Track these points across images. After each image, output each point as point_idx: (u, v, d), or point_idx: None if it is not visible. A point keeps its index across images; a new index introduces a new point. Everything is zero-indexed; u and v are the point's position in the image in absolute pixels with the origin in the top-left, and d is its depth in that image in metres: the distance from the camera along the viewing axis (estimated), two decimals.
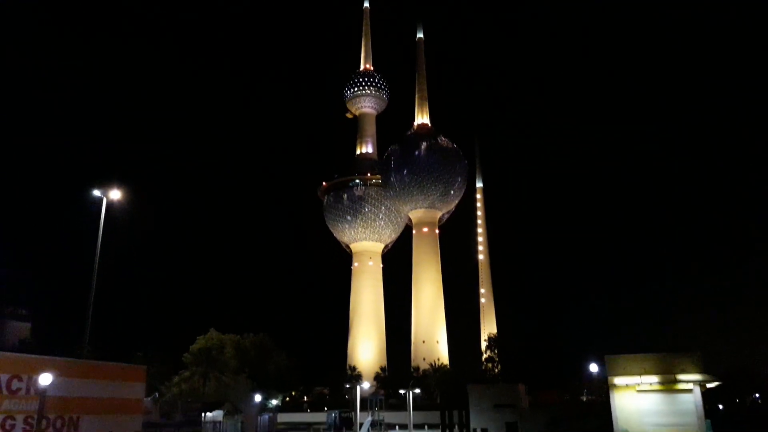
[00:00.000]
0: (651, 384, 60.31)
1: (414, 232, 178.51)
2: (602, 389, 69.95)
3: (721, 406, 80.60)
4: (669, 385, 59.65)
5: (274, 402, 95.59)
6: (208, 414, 66.98)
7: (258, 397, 78.48)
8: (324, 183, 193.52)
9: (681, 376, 58.97)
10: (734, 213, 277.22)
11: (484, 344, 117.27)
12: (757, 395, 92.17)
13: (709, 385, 61.35)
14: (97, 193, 44.77)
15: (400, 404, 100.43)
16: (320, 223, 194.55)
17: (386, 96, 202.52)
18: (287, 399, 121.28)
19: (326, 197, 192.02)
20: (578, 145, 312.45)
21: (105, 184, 45.25)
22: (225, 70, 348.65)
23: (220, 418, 67.77)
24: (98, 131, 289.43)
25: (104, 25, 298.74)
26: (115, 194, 45.21)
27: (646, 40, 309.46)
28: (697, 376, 58.84)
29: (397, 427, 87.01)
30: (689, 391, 59.01)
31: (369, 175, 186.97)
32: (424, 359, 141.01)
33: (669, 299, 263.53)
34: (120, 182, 45.74)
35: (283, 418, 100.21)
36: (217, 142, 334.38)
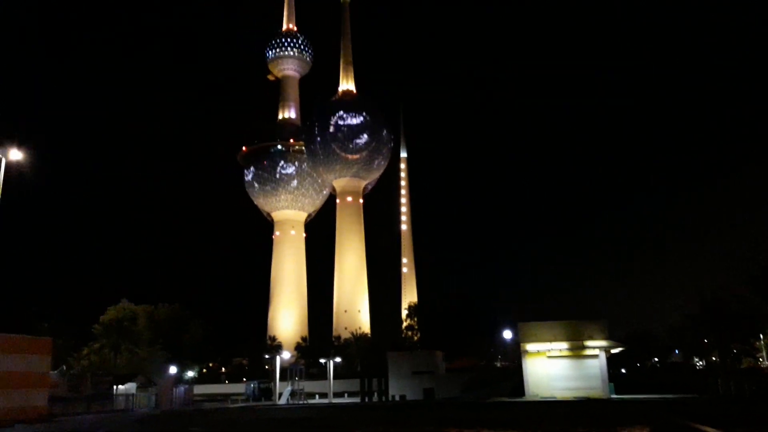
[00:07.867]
0: (560, 350, 63.51)
1: (338, 201, 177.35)
2: (515, 355, 73.13)
3: (624, 370, 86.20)
4: (577, 351, 63.02)
5: (191, 374, 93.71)
6: (120, 387, 64.35)
7: (173, 369, 76.87)
8: (244, 148, 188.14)
9: (588, 343, 62.45)
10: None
11: (404, 313, 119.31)
12: (656, 359, 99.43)
13: (613, 351, 65.42)
14: None
15: (321, 373, 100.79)
16: (241, 191, 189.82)
17: (310, 58, 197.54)
18: (204, 370, 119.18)
19: (247, 164, 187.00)
20: (501, 115, 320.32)
21: (3, 143, 41.35)
22: (141, 30, 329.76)
23: (134, 391, 65.45)
24: None
25: None
26: (15, 155, 41.44)
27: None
28: (602, 343, 62.50)
29: (317, 396, 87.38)
30: (595, 356, 62.66)
31: (291, 141, 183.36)
32: (345, 328, 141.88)
33: (583, 272, 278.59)
34: (21, 143, 41.78)
35: (200, 389, 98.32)
36: (135, 104, 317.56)
